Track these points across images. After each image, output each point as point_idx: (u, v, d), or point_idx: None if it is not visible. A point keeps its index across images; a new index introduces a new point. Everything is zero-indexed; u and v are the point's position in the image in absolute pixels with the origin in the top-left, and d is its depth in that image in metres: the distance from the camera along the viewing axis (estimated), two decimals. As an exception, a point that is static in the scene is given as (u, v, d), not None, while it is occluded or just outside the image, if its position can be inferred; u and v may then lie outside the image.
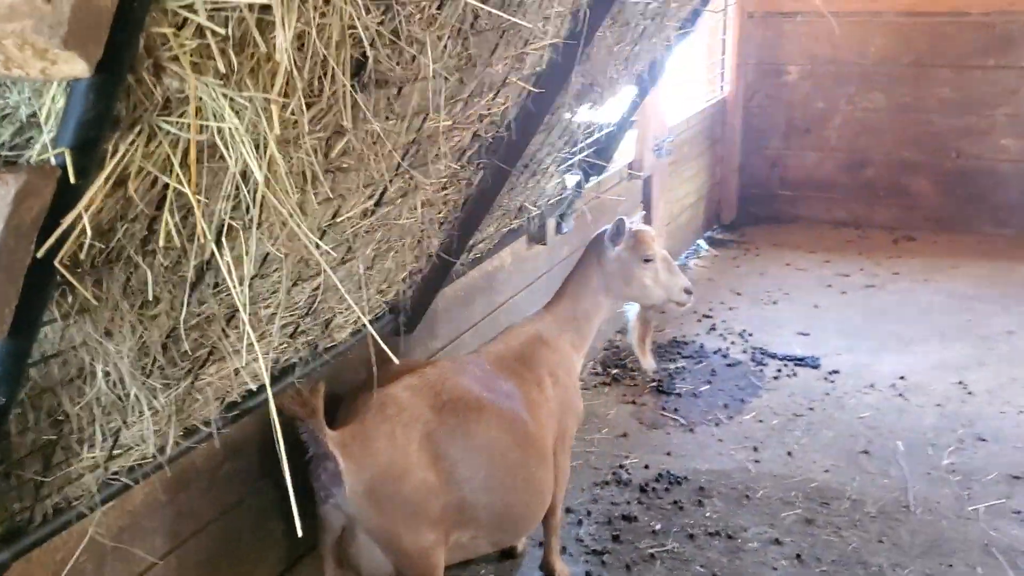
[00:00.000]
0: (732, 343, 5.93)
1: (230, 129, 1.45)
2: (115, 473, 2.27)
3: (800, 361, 5.61)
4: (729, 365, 5.62)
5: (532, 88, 2.78)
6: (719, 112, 7.95)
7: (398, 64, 1.95)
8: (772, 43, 8.11)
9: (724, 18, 7.78)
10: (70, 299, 1.62)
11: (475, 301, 4.29)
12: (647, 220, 6.14)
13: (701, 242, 7.93)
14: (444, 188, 2.81)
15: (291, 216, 1.75)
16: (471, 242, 3.68)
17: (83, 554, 2.36)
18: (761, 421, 4.96)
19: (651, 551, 3.88)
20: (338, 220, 2.24)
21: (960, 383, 5.27)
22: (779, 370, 5.52)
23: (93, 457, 2.12)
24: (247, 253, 1.85)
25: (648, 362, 3.93)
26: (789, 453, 4.62)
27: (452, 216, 3.10)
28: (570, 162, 4.33)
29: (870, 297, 6.64)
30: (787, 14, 8.02)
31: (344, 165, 2.02)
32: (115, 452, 2.19)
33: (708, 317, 6.36)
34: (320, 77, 1.75)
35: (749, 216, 8.47)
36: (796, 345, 5.85)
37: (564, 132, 3.68)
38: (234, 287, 1.74)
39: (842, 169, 8.19)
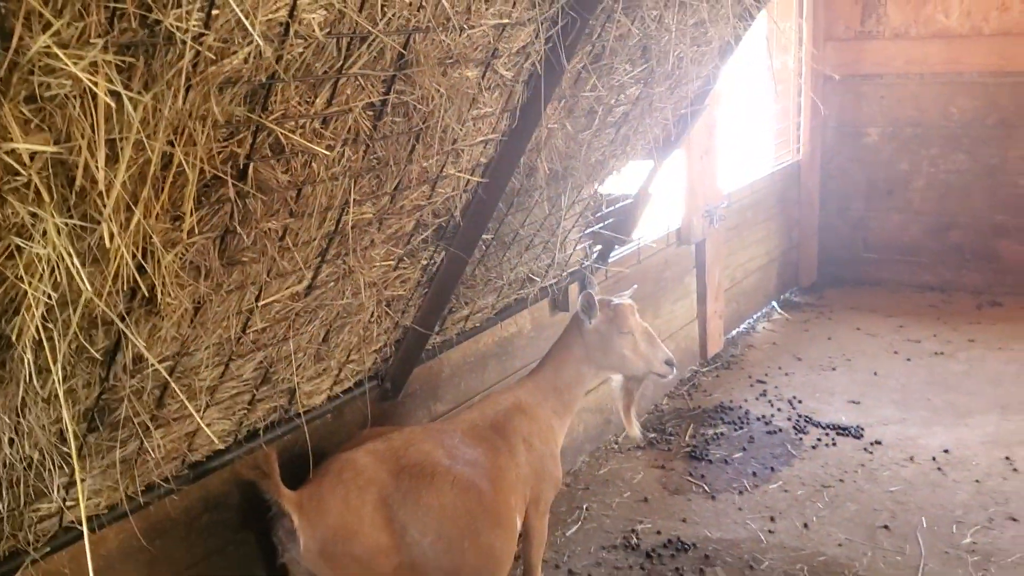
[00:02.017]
0: (779, 410, 5.91)
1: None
2: (72, 522, 2.61)
3: (843, 431, 5.54)
4: (769, 432, 5.61)
5: (476, 179, 3.02)
6: (792, 175, 7.93)
7: (285, 172, 2.24)
8: (851, 105, 8.06)
9: (799, 81, 7.81)
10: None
11: (488, 367, 4.52)
12: (701, 285, 6.26)
13: (775, 305, 7.89)
14: (396, 270, 3.07)
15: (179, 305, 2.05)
16: (464, 313, 3.94)
17: (55, 590, 2.72)
18: (787, 491, 4.94)
19: (640, 617, 3.96)
20: (260, 304, 2.53)
21: (1007, 459, 5.08)
22: (819, 439, 5.47)
23: (48, 507, 2.47)
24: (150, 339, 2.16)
25: (633, 431, 4.04)
26: (806, 525, 4.59)
27: (418, 293, 3.36)
28: (580, 235, 4.52)
29: (936, 365, 6.46)
30: (867, 76, 7.97)
31: (244, 259, 2.32)
32: (68, 504, 2.54)
33: (761, 383, 6.35)
34: (206, 186, 2.07)
35: (831, 279, 8.36)
36: (844, 414, 5.77)
37: (555, 210, 3.89)
38: (121, 371, 2.05)
39: (927, 232, 7.99)
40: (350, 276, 2.81)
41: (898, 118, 7.94)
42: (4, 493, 2.27)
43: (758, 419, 5.79)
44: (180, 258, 2.15)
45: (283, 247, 2.43)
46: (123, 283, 1.90)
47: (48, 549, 2.57)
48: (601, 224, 4.73)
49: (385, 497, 3.12)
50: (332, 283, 2.77)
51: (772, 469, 5.17)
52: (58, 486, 2.43)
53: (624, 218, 4.86)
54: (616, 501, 4.96)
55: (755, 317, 7.62)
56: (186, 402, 2.25)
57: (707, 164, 6.15)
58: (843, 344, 6.94)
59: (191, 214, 1.96)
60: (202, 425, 2.16)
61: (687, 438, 5.61)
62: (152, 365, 2.37)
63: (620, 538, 4.59)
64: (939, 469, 5.03)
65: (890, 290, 8.03)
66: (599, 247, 5.00)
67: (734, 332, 7.24)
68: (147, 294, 2.13)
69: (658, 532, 4.63)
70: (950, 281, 7.93)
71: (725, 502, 4.88)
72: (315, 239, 2.53)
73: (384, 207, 2.72)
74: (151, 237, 1.91)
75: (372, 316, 3.18)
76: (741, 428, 5.68)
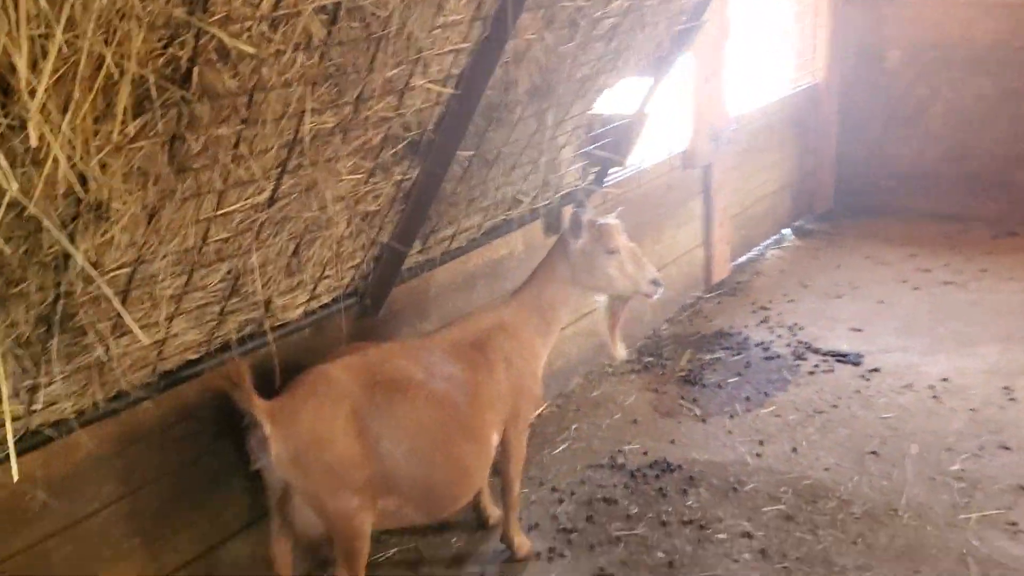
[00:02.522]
0: (779, 336, 5.87)
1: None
2: (40, 425, 2.66)
3: (842, 357, 5.50)
4: (767, 358, 5.58)
5: (447, 91, 2.96)
6: (809, 99, 7.74)
7: (233, 78, 2.20)
8: (872, 26, 7.81)
9: (815, 2, 7.57)
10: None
11: (477, 287, 4.50)
12: (707, 210, 6.18)
13: (786, 232, 7.78)
14: (366, 184, 3.04)
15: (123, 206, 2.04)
16: (449, 233, 3.92)
17: (27, 489, 2.78)
18: (778, 416, 4.93)
19: (619, 534, 4.00)
20: (219, 213, 2.52)
21: (1006, 388, 5.03)
22: (816, 366, 5.43)
23: (13, 410, 2.50)
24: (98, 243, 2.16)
25: (618, 351, 4.03)
26: (794, 449, 4.58)
27: (394, 209, 3.33)
28: (573, 156, 4.46)
29: (945, 295, 6.36)
30: (889, -3, 7.71)
31: (196, 166, 2.30)
32: (33, 408, 2.58)
33: (764, 309, 6.30)
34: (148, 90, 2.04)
35: (846, 207, 8.22)
36: (845, 341, 5.72)
37: (541, 128, 3.82)
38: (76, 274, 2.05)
39: (945, 159, 7.80)
40: (315, 188, 2.78)
41: (919, 40, 7.69)
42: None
43: (757, 345, 5.76)
44: (127, 163, 2.13)
45: (238, 155, 2.40)
46: (59, 186, 1.89)
47: (19, 451, 2.61)
48: (595, 145, 4.65)
49: (358, 409, 3.15)
50: (296, 195, 2.75)
51: (766, 394, 5.16)
52: (22, 389, 2.46)
53: (620, 139, 4.77)
54: (606, 423, 4.98)
55: (765, 244, 7.52)
56: (125, 314, 2.24)
57: (714, 84, 6.01)
58: (852, 272, 6.85)
59: (125, 117, 1.94)
60: (135, 331, 2.16)
61: (683, 363, 5.59)
62: (107, 272, 2.37)
63: (606, 458, 4.62)
64: (935, 397, 4.98)
65: (905, 220, 7.87)
66: (595, 169, 4.92)
67: (742, 259, 7.17)
68: (94, 200, 2.12)
69: (645, 453, 4.65)
70: (966, 211, 7.76)
71: (715, 425, 4.88)
72: (272, 148, 2.50)
73: (347, 118, 2.68)
74: (88, 141, 1.89)
75: (345, 231, 3.16)
76: (739, 354, 5.66)
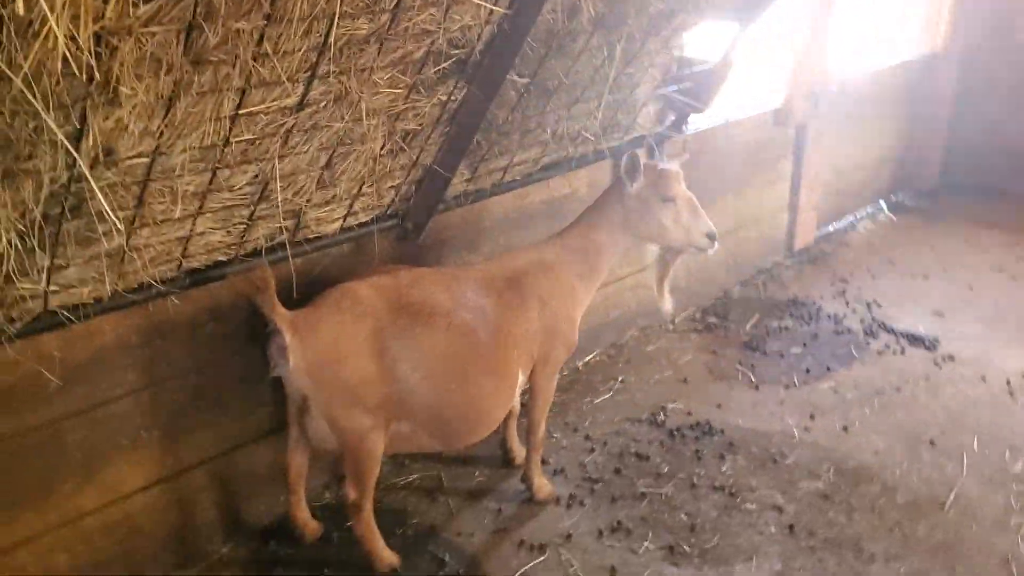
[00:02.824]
0: (853, 311, 5.59)
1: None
2: (59, 307, 2.70)
3: (916, 340, 5.21)
4: (837, 332, 5.33)
5: (498, 9, 2.83)
6: (926, 68, 7.27)
7: (257, -32, 2.13)
8: (1005, -5, 7.26)
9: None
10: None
11: (534, 225, 4.39)
12: (797, 172, 5.90)
13: (883, 205, 7.39)
14: (406, 100, 2.95)
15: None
16: (501, 163, 3.81)
17: (46, 369, 2.85)
18: (836, 392, 4.70)
19: (645, 490, 3.90)
20: (242, 112, 2.47)
21: (1089, 392, 4.68)
22: (887, 345, 5.16)
23: (29, 288, 2.55)
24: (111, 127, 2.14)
25: (665, 305, 3.88)
26: (846, 428, 4.37)
27: (438, 131, 3.24)
28: (646, 98, 4.27)
29: (1042, 287, 5.95)
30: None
31: (213, 59, 2.25)
32: (51, 289, 2.61)
33: (844, 282, 6.02)
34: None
35: (952, 185, 7.75)
36: (922, 324, 5.41)
37: (609, 61, 3.66)
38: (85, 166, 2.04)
39: (1070, 144, 7.24)
40: (346, 98, 2.71)
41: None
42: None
43: (829, 317, 5.50)
44: (139, 48, 2.10)
45: (260, 53, 2.34)
46: (56, 63, 1.86)
47: (32, 329, 2.66)
48: (674, 88, 4.45)
49: (380, 330, 3.11)
50: (326, 103, 2.69)
51: (828, 368, 4.93)
52: (36, 267, 2.49)
53: (701, 86, 4.55)
54: (655, 378, 4.85)
55: (858, 215, 7.17)
56: (107, 212, 2.22)
57: (818, 42, 5.67)
58: (944, 254, 6.46)
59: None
60: (108, 216, 2.14)
61: (748, 327, 5.39)
62: (122, 160, 2.36)
63: (647, 414, 4.50)
64: (1010, 393, 4.67)
65: (1016, 204, 7.37)
66: (673, 115, 4.72)
67: (832, 228, 6.85)
68: (102, 80, 2.09)
69: (688, 413, 4.50)
70: (1087, 201, 7.22)
71: (767, 394, 4.69)
72: (299, 50, 2.43)
73: (383, 26, 2.59)
74: (87, 16, 1.85)
75: (383, 148, 3.09)
76: (808, 324, 5.42)
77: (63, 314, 2.68)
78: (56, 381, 2.87)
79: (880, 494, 3.89)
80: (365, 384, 3.09)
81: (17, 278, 2.49)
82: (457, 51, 2.95)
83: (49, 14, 1.77)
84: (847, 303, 5.70)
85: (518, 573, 3.42)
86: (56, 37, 1.81)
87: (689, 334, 5.34)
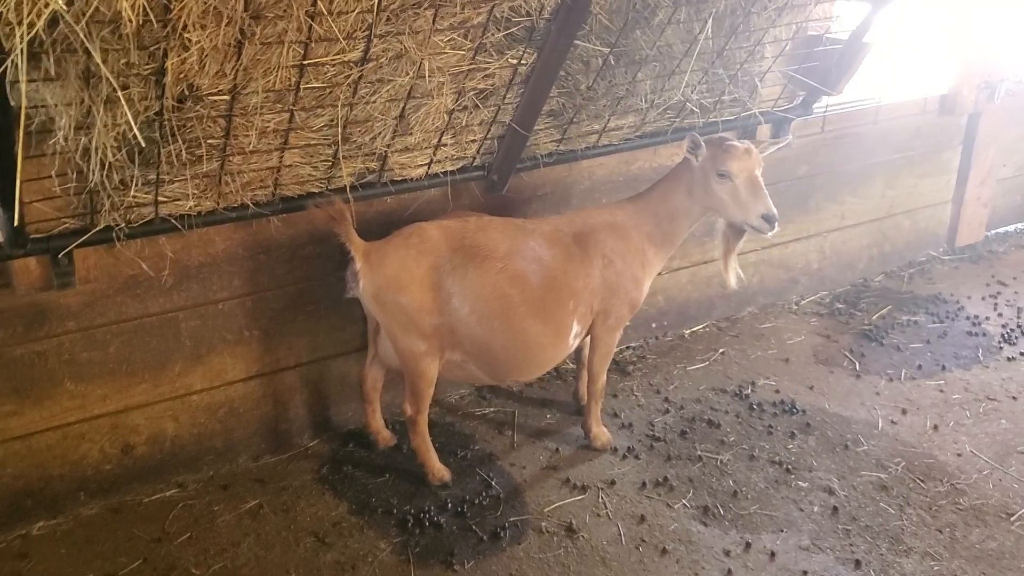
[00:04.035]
0: (999, 315, 5.32)
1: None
2: (169, 213, 3.28)
3: (1058, 353, 4.89)
4: (970, 334, 5.10)
5: (556, -18, 3.08)
6: None
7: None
8: None
9: None
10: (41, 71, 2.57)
11: (639, 188, 4.54)
12: (965, 164, 5.68)
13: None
14: (472, 61, 3.27)
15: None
16: (594, 127, 4.04)
17: (166, 268, 3.47)
18: (942, 392, 4.56)
19: (702, 454, 4.04)
20: (307, 63, 2.90)
21: None
22: (1021, 354, 4.89)
23: (141, 197, 3.14)
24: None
25: (728, 279, 3.93)
26: (935, 427, 4.26)
27: (512, 92, 3.53)
28: (762, 74, 4.33)
29: None
30: None
31: (269, 15, 2.69)
32: (160, 199, 3.20)
33: (1002, 284, 5.71)
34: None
35: None
36: (1074, 338, 5.07)
37: (703, 37, 3.78)
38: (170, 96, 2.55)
39: None
40: (406, 56, 3.07)
41: None
42: (97, 173, 2.93)
43: (967, 318, 5.27)
44: (204, 1, 2.57)
45: (315, 11, 2.75)
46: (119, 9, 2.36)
47: (148, 231, 3.26)
48: (793, 68, 4.45)
49: (439, 265, 3.48)
50: (388, 60, 3.06)
51: (943, 367, 4.77)
52: (138, 177, 3.06)
53: (831, 68, 4.50)
54: (756, 355, 4.91)
55: (1031, 222, 6.67)
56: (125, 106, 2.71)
57: (992, 26, 5.36)
58: None
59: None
60: (135, 130, 2.62)
61: (874, 317, 5.28)
62: (204, 94, 2.87)
63: (735, 386, 4.59)
64: None
65: None
66: (802, 94, 4.71)
67: (1005, 229, 6.43)
68: (172, 27, 2.58)
69: (777, 391, 4.55)
70: None
71: (867, 384, 4.63)
72: (353, 11, 2.81)
73: (439, -9, 2.92)
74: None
75: (456, 104, 3.43)
76: (941, 322, 5.23)
77: (171, 220, 3.25)
78: (170, 276, 3.49)
79: (945, 495, 3.80)
80: (421, 312, 3.48)
81: (130, 186, 3.08)
82: (521, 18, 3.23)
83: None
84: (995, 307, 5.41)
85: (552, 506, 3.71)
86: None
87: (810, 317, 5.31)
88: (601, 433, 4.07)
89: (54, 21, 2.41)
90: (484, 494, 3.77)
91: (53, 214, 3.08)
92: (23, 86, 2.43)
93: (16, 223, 2.81)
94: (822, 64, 4.50)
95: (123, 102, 2.65)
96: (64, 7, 2.23)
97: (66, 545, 3.46)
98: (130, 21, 2.41)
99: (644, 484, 3.85)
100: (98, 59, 2.40)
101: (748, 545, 3.51)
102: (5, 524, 3.48)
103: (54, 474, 3.53)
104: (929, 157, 5.66)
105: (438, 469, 3.80)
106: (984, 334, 5.09)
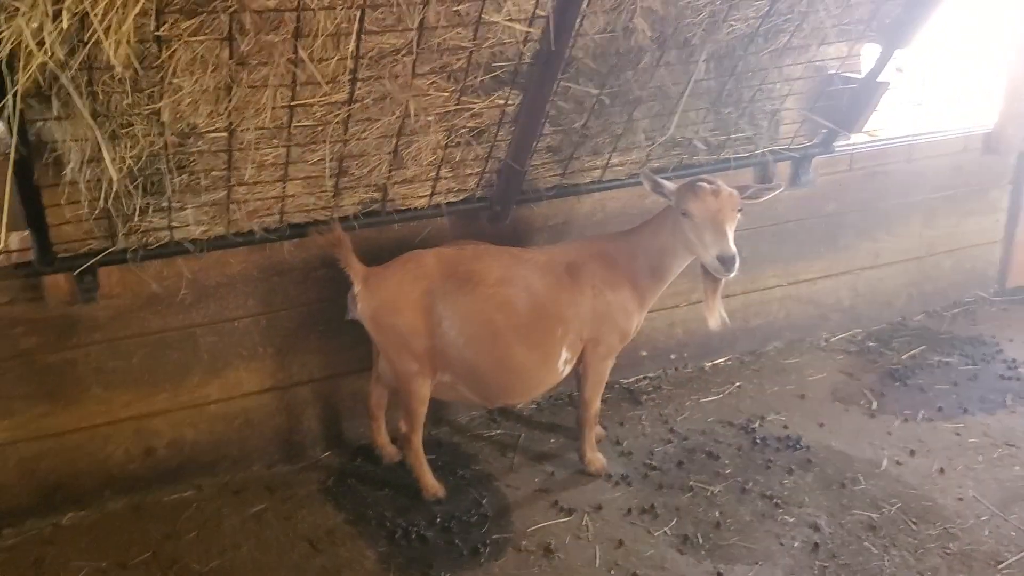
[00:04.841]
0: (1038, 361, 5.17)
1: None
2: (183, 237, 3.62)
3: (1093, 403, 4.74)
4: (1003, 378, 4.99)
5: (529, 29, 3.28)
6: None
7: (275, -6, 2.83)
8: None
9: None
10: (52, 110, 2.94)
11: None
12: (1015, 203, 5.59)
13: None
14: (457, 102, 3.49)
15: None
16: (596, 162, 4.21)
17: (184, 287, 3.81)
18: (958, 435, 4.49)
19: (694, 484, 4.11)
20: (296, 104, 3.19)
21: None
22: (1054, 400, 4.76)
23: (150, 221, 3.49)
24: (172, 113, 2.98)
25: (710, 320, 3.90)
26: (942, 470, 4.21)
27: (504, 130, 3.74)
28: (772, 112, 4.41)
29: None
30: None
31: (253, 61, 2.98)
32: (173, 224, 3.54)
33: (1050, 331, 5.53)
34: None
35: None
36: (1117, 388, 4.88)
37: (695, 78, 3.90)
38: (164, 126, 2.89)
39: None
40: (389, 98, 3.32)
41: None
42: (104, 201, 3.28)
43: (1003, 361, 5.15)
44: (191, 51, 2.89)
45: (297, 59, 3.03)
46: (112, 60, 2.69)
47: (164, 253, 3.60)
48: (808, 106, 4.51)
49: (431, 291, 3.71)
50: (373, 101, 3.32)
51: (965, 411, 4.68)
52: (153, 206, 3.40)
53: (849, 107, 4.53)
54: (773, 390, 4.93)
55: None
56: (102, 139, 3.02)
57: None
58: None
59: (167, 18, 2.67)
60: (107, 163, 2.94)
61: (904, 357, 5.22)
62: (202, 132, 3.19)
63: (743, 420, 4.63)
64: None
65: None
66: (822, 131, 4.75)
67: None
68: (160, 76, 2.91)
69: (785, 426, 4.57)
70: None
71: (880, 424, 4.60)
72: (333, 58, 3.09)
73: (410, 42, 3.16)
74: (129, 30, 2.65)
75: (448, 140, 3.66)
76: (974, 365, 5.12)
77: (185, 244, 3.59)
78: (189, 295, 3.83)
79: (935, 538, 3.77)
80: (413, 334, 3.71)
81: (146, 212, 3.43)
82: (502, 63, 3.44)
83: (99, 25, 2.58)
84: (1038, 352, 5.26)
85: (536, 526, 3.86)
86: (121, 41, 2.63)
87: (837, 354, 5.29)
88: (595, 459, 4.20)
89: (64, 65, 2.76)
90: (473, 512, 3.95)
91: (79, 236, 3.45)
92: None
93: (43, 244, 3.20)
94: (841, 103, 4.54)
95: (104, 149, 3.00)
96: (51, 59, 2.56)
97: (88, 536, 3.82)
98: (121, 68, 2.74)
99: (630, 510, 3.96)
100: (79, 103, 2.73)
101: (719, 575, 3.57)
102: (38, 513, 3.87)
103: (83, 471, 3.90)
104: (973, 196, 5.56)
105: (431, 485, 4.01)
106: (1018, 379, 4.96)
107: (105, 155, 3.05)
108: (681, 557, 3.69)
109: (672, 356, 5.09)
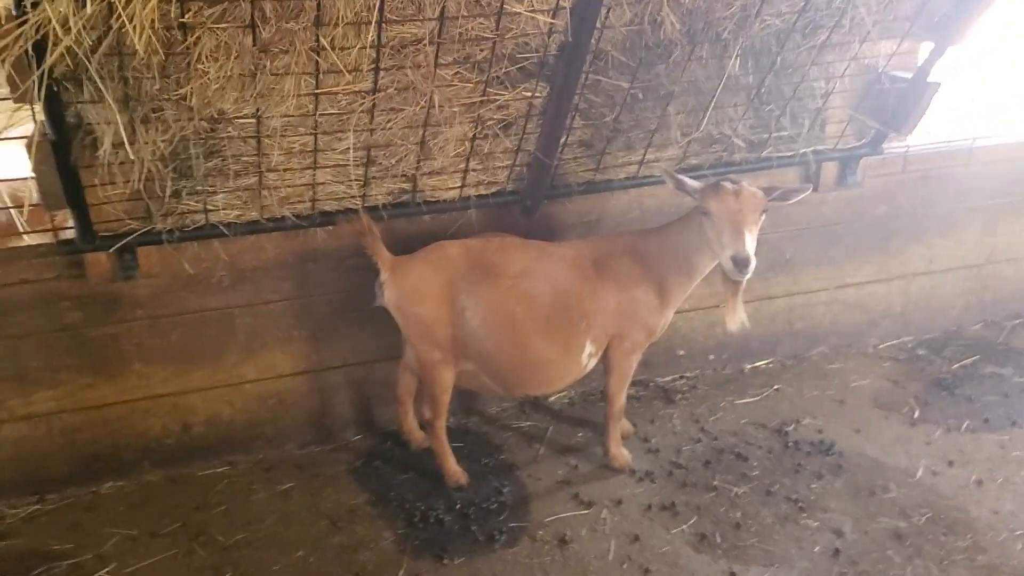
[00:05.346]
0: (1101, 375, 4.95)
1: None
2: (218, 222, 3.75)
3: None
4: (1058, 391, 4.80)
5: (554, 20, 3.31)
6: None
7: (293, -17, 2.92)
8: None
9: None
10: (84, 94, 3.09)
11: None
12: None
13: None
14: (483, 93, 3.53)
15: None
16: (631, 158, 4.20)
17: (221, 269, 3.95)
18: (1002, 448, 4.34)
19: (719, 484, 4.08)
20: (320, 91, 3.29)
21: None
22: (1111, 417, 4.56)
23: (190, 204, 3.63)
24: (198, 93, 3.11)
25: (729, 322, 3.81)
26: (979, 482, 4.07)
27: (532, 122, 3.76)
28: (815, 111, 4.34)
29: None
30: None
31: (275, 49, 3.09)
32: (209, 207, 3.68)
33: (1118, 344, 5.29)
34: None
35: None
36: None
37: (731, 74, 3.87)
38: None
39: None
40: (415, 88, 3.39)
41: None
42: (138, 184, 3.43)
43: (1059, 375, 4.95)
44: (215, 38, 3.01)
45: (319, 47, 3.12)
46: (137, 44, 2.82)
47: (199, 235, 3.74)
48: (855, 104, 4.41)
49: (455, 281, 3.76)
50: (397, 91, 3.39)
51: (1013, 423, 4.52)
52: (181, 188, 3.54)
53: (899, 107, 4.42)
54: (812, 394, 4.84)
55: None
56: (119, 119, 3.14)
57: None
58: None
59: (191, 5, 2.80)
60: (124, 141, 3.08)
61: (954, 366, 5.06)
62: (231, 118, 3.31)
63: (777, 423, 4.56)
64: None
65: None
66: (872, 131, 4.64)
67: None
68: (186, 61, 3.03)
69: (819, 431, 4.49)
70: None
71: (921, 432, 4.47)
72: (355, 47, 3.17)
73: (432, 31, 3.22)
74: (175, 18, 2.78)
75: (476, 132, 3.71)
76: (1028, 377, 4.94)
77: (220, 227, 3.72)
78: (225, 277, 3.96)
79: (964, 549, 3.66)
80: (436, 323, 3.77)
81: (180, 195, 3.57)
82: (528, 54, 3.47)
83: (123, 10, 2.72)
84: (1101, 366, 5.04)
85: (554, 516, 3.88)
86: (144, 27, 2.76)
87: (884, 361, 5.16)
88: (620, 454, 4.19)
89: (94, 49, 2.90)
90: (493, 500, 3.99)
91: (118, 216, 3.61)
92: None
93: (83, 223, 3.37)
94: (891, 103, 4.43)
95: (123, 132, 3.13)
96: (77, 44, 2.70)
97: (125, 505, 3.99)
98: (144, 53, 2.87)
99: (650, 506, 3.94)
100: (101, 87, 2.86)
101: (733, 575, 3.53)
102: (79, 481, 4.06)
103: (122, 443, 4.08)
104: (1039, 202, 5.36)
105: (454, 471, 4.06)
106: (1073, 393, 4.77)
107: (124, 138, 3.18)
108: (696, 555, 3.66)
109: (711, 357, 5.04)
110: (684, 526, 3.82)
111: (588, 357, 3.94)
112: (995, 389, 4.83)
